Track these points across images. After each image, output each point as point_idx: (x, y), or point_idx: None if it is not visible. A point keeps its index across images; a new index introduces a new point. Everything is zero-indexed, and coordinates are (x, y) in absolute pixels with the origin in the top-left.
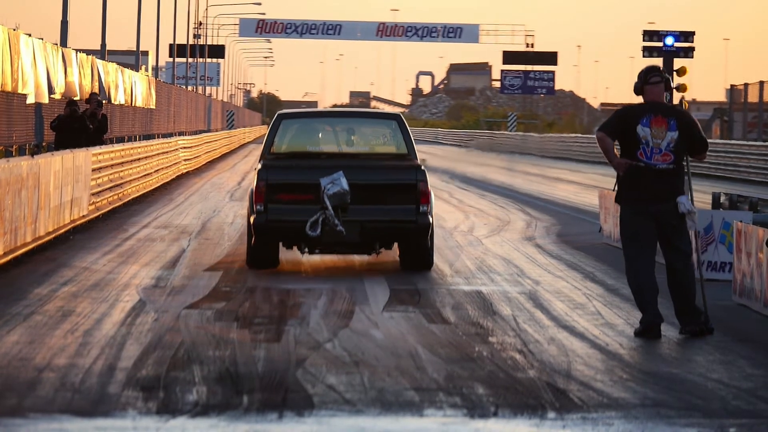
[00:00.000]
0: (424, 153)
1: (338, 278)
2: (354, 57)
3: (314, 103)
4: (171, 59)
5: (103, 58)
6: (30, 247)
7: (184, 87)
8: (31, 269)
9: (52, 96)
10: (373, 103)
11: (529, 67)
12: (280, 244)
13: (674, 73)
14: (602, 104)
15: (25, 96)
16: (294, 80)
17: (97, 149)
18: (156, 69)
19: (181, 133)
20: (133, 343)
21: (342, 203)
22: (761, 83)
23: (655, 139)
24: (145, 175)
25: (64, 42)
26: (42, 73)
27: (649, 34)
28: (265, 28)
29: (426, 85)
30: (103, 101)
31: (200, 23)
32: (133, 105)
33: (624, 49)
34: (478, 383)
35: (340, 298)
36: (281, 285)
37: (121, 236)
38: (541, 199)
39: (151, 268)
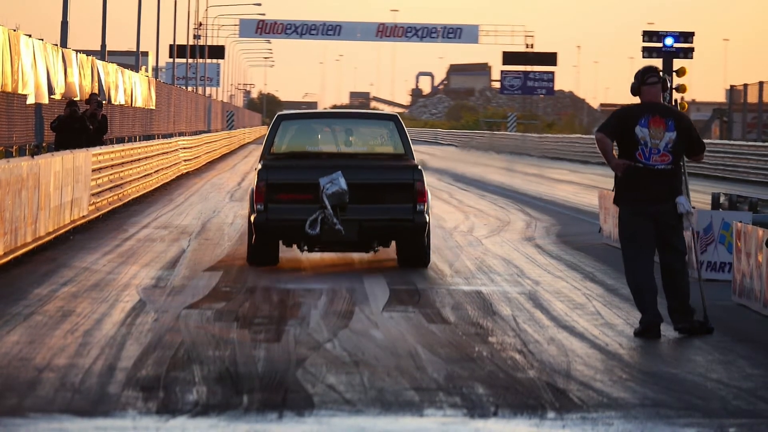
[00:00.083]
0: (423, 153)
1: (338, 278)
2: (354, 57)
3: (314, 104)
4: (171, 60)
5: (103, 58)
6: (30, 247)
7: (184, 87)
8: (31, 269)
9: (52, 96)
10: (373, 104)
11: (528, 68)
12: (280, 242)
13: (674, 73)
14: (602, 105)
15: (25, 96)
16: (294, 81)
17: (97, 150)
18: (156, 69)
19: (181, 134)
20: (133, 343)
21: (340, 202)
22: (761, 84)
23: (653, 140)
24: (145, 176)
25: (64, 42)
26: (42, 74)
27: (648, 35)
28: (265, 28)
29: (426, 86)
30: (103, 102)
31: (200, 24)
32: (133, 105)
33: (624, 49)
34: (478, 383)
35: (339, 298)
36: (281, 285)
37: (121, 236)
38: (540, 199)
39: (151, 268)
